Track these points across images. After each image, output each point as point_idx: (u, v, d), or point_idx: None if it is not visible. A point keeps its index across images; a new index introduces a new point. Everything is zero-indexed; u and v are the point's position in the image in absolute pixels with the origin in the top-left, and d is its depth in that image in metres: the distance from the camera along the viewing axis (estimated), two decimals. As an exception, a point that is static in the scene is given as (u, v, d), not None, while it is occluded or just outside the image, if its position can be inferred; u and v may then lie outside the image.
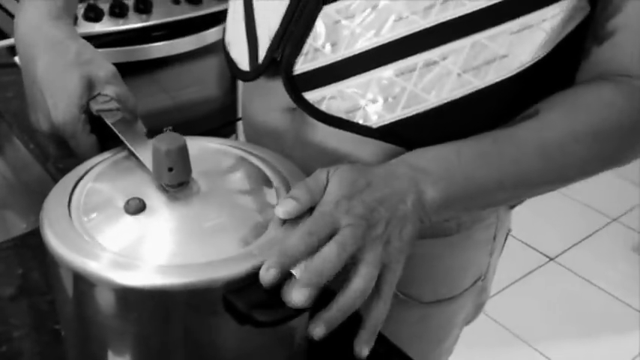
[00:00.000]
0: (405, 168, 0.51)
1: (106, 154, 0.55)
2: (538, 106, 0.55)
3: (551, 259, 2.08)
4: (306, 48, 0.58)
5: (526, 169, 0.53)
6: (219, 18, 1.47)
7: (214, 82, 1.48)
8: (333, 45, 0.57)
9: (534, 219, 2.25)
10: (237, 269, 0.42)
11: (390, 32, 0.54)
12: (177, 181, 0.48)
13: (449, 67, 0.54)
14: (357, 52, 0.56)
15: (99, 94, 0.59)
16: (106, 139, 0.60)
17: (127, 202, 0.46)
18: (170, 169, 0.47)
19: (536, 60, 0.55)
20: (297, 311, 0.43)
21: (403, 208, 0.48)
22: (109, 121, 0.58)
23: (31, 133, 0.90)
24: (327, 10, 0.56)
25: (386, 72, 0.56)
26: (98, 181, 0.51)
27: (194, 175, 0.49)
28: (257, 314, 0.41)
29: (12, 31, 1.24)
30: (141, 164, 0.52)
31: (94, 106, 0.59)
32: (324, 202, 0.47)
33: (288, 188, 0.50)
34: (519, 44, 0.54)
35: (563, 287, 1.98)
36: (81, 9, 1.36)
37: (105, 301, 0.44)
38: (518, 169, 0.53)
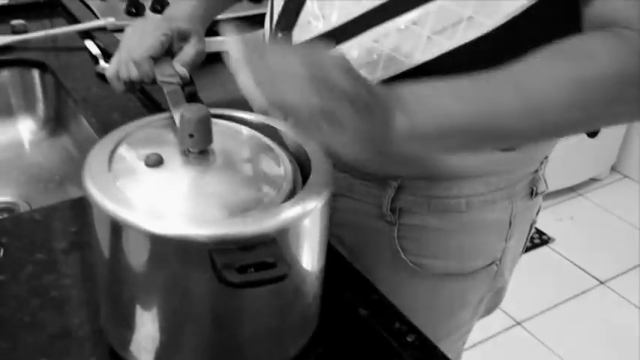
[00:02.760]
0: (380, 88, 0.52)
1: (150, 118, 0.59)
2: (528, 55, 0.53)
3: (601, 283, 2.02)
4: (300, 21, 0.67)
5: (502, 110, 0.51)
6: (280, 18, 1.52)
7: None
8: (322, 18, 0.65)
9: (587, 241, 2.20)
10: (224, 231, 0.46)
11: (367, 3, 0.62)
12: (197, 147, 0.52)
13: (419, 31, 0.59)
14: (340, 23, 0.64)
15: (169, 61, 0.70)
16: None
17: (147, 156, 0.51)
18: (191, 135, 0.51)
19: (506, 20, 0.57)
20: (267, 280, 0.44)
21: (373, 106, 0.50)
22: (165, 89, 0.64)
23: (95, 110, 0.96)
24: None
25: (365, 39, 0.63)
26: (136, 139, 0.56)
27: (217, 148, 0.54)
28: (227, 274, 0.43)
29: (84, 16, 1.30)
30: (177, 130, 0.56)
31: (159, 77, 0.67)
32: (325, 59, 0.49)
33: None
34: (484, 6, 0.57)
35: (612, 312, 1.92)
36: (147, 1, 1.43)
37: (114, 238, 0.49)
38: (493, 109, 0.51)
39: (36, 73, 1.12)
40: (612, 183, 2.55)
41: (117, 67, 0.70)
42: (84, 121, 1.02)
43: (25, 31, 1.17)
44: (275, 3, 0.73)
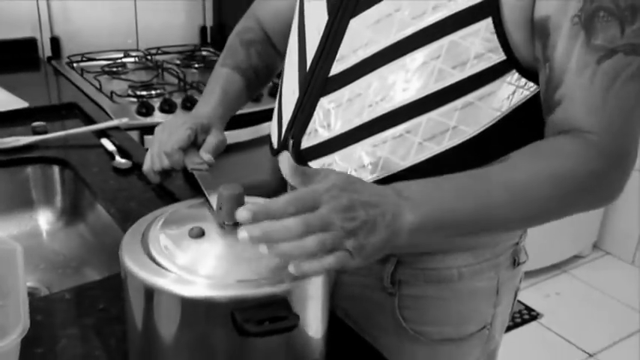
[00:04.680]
0: (391, 190, 0.59)
1: (182, 203, 0.70)
2: (511, 154, 0.66)
3: (590, 356, 2.08)
4: (308, 129, 0.79)
5: (494, 202, 0.62)
6: (275, 114, 1.66)
7: (269, 168, 1.64)
8: (327, 127, 0.77)
9: (575, 315, 2.26)
10: (244, 292, 0.56)
11: (366, 115, 0.73)
12: (233, 220, 0.61)
13: (412, 139, 0.71)
14: (344, 131, 0.75)
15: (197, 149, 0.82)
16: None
17: (191, 229, 0.61)
18: (226, 209, 0.61)
19: (484, 128, 0.70)
20: (280, 330, 0.54)
21: (379, 220, 0.55)
22: (196, 175, 0.77)
23: (113, 200, 1.06)
24: (323, 101, 0.77)
25: (365, 144, 0.74)
26: (175, 217, 0.66)
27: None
28: (248, 326, 0.53)
29: (99, 117, 1.43)
30: (211, 208, 0.66)
31: (189, 165, 0.79)
32: (318, 185, 0.55)
33: None
34: (465, 117, 0.69)
35: (603, 385, 1.97)
36: (156, 102, 1.56)
37: (153, 304, 0.58)
38: (487, 202, 0.62)
39: (56, 169, 1.23)
40: (595, 260, 2.65)
41: (151, 162, 0.81)
42: (101, 211, 1.11)
43: (45, 132, 1.29)
44: (283, 108, 0.85)
